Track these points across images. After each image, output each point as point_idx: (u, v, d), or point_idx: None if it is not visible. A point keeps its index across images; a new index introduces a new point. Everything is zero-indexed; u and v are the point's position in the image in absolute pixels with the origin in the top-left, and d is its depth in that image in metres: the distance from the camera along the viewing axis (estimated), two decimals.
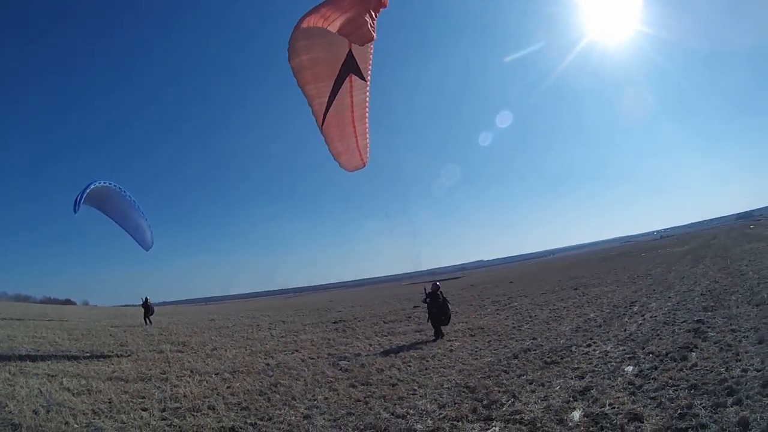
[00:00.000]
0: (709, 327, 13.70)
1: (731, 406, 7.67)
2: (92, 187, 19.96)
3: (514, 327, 19.45)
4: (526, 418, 8.58)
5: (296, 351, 18.64)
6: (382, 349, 17.42)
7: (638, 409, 8.22)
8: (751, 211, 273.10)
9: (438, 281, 20.38)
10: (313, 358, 16.74)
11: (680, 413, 7.75)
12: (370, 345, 18.76)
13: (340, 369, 14.54)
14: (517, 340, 16.46)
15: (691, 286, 23.55)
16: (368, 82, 12.75)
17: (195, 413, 10.47)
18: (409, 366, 14.13)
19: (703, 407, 7.83)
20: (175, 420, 10.03)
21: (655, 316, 16.89)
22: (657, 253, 67.36)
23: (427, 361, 14.69)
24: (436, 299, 18.99)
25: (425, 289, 19.65)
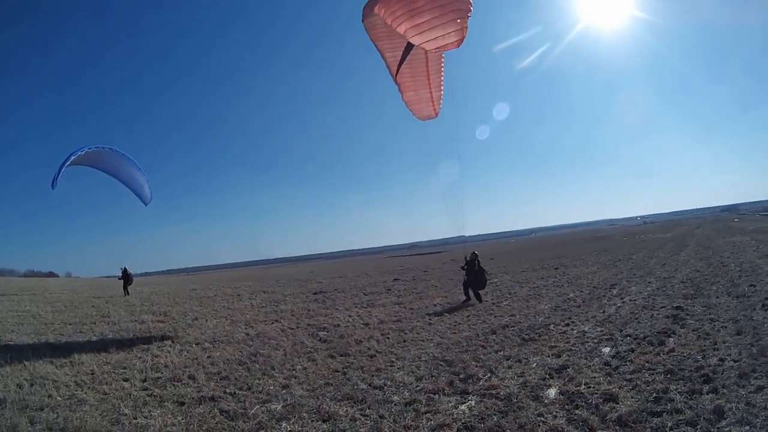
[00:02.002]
0: (687, 314, 14.00)
1: (707, 394, 7.88)
2: (76, 155, 19.67)
3: (493, 303, 19.70)
4: (501, 393, 8.75)
5: (276, 321, 18.94)
6: (361, 321, 17.62)
7: (614, 390, 8.41)
8: (736, 205, 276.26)
9: (475, 251, 21.14)
10: (292, 329, 16.97)
11: (655, 397, 7.95)
12: (350, 316, 18.90)
13: (319, 339, 14.75)
14: (495, 316, 16.72)
15: (671, 273, 24.02)
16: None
17: (175, 383, 10.58)
18: (388, 338, 14.34)
19: (679, 392, 8.03)
20: (156, 390, 10.12)
21: (635, 300, 17.24)
22: (640, 238, 68.35)
23: (406, 333, 14.91)
24: (473, 267, 20.05)
25: (465, 257, 20.56)
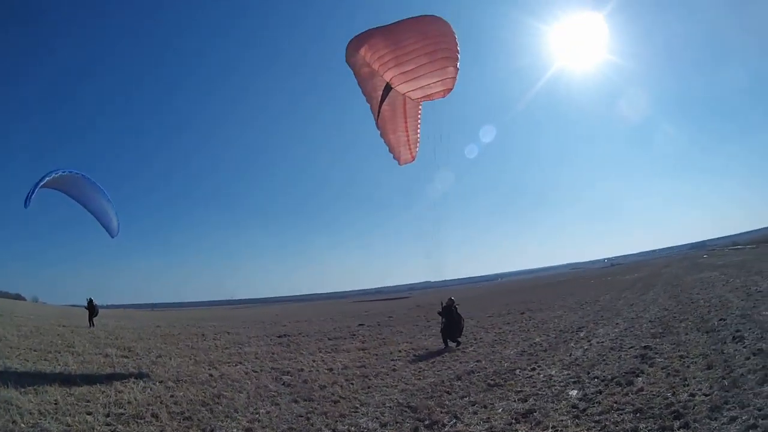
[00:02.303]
0: (656, 353, 13.89)
1: (678, 430, 7.75)
2: (50, 176, 19.49)
3: (458, 349, 19.50)
4: None
5: (240, 363, 18.81)
6: (325, 366, 17.41)
7: None
8: (705, 241, 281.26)
9: (452, 297, 21.22)
10: (256, 372, 16.82)
11: None
12: (314, 361, 18.70)
13: (283, 383, 14.64)
14: (461, 362, 16.52)
15: (639, 312, 23.96)
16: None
17: (138, 420, 10.54)
18: (352, 384, 14.21)
19: (649, 430, 7.88)
20: (119, 426, 10.13)
21: (602, 342, 17.10)
22: (606, 280, 68.89)
23: (370, 379, 14.74)
24: (450, 313, 19.99)
25: (441, 303, 20.62)
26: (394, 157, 15.59)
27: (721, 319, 17.27)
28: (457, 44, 11.07)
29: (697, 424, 7.81)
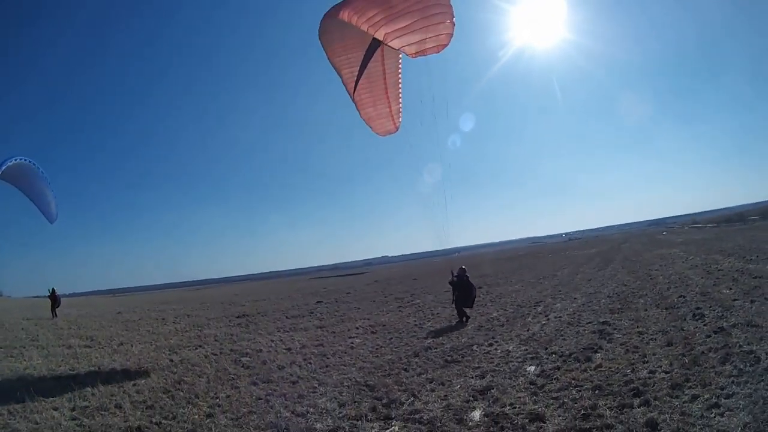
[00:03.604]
0: (614, 329, 14.28)
1: (638, 407, 7.95)
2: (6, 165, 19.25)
3: (416, 324, 19.79)
4: (425, 418, 8.71)
5: (200, 346, 19.09)
6: (284, 346, 17.63)
7: (540, 409, 8.42)
8: (663, 219, 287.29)
9: (464, 266, 20.38)
10: (216, 354, 17.09)
11: (584, 414, 7.96)
12: (272, 341, 19.01)
13: (243, 365, 14.83)
14: (418, 338, 16.75)
15: (597, 288, 24.59)
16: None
17: (103, 412, 10.64)
18: (310, 363, 14.37)
19: (608, 408, 8.07)
20: (85, 420, 10.18)
21: (560, 317, 17.49)
22: (564, 254, 70.09)
23: (328, 358, 14.91)
24: (462, 283, 19.44)
25: (452, 273, 20.03)
26: (373, 130, 15.57)
27: (680, 296, 17.86)
28: (449, 1, 11.06)
29: (657, 402, 8.03)
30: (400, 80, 14.63)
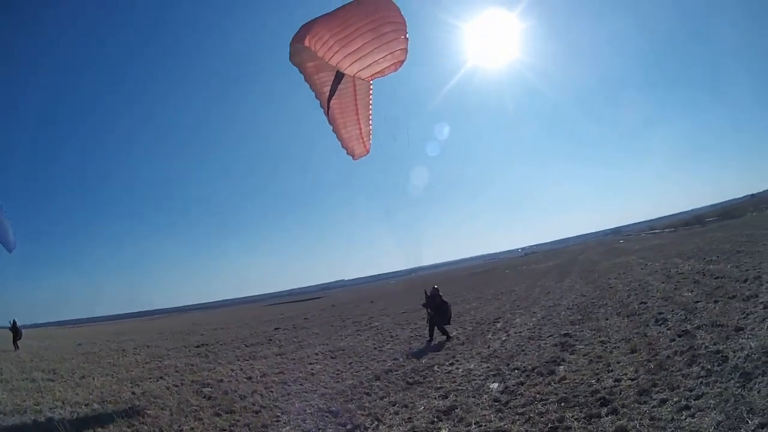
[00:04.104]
0: (576, 340, 14.34)
1: (606, 416, 7.92)
2: None
3: (375, 347, 19.68)
4: None
5: (161, 378, 18.98)
6: (244, 375, 17.48)
7: (506, 425, 8.37)
8: (620, 227, 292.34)
9: (435, 286, 20.46)
10: (177, 386, 16.93)
11: (551, 427, 7.92)
12: (233, 370, 18.87)
13: (204, 396, 14.72)
14: (378, 361, 16.66)
15: (557, 300, 24.75)
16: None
17: None
18: (272, 392, 14.28)
19: (576, 419, 8.04)
20: None
21: (520, 332, 17.50)
22: (521, 269, 70.85)
23: (289, 385, 14.78)
24: (435, 302, 19.45)
25: (425, 292, 19.91)
26: (347, 153, 15.45)
27: (641, 303, 18.04)
28: (402, 16, 10.99)
29: (625, 409, 8.01)
30: (370, 101, 14.45)
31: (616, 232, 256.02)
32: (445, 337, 18.95)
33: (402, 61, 11.17)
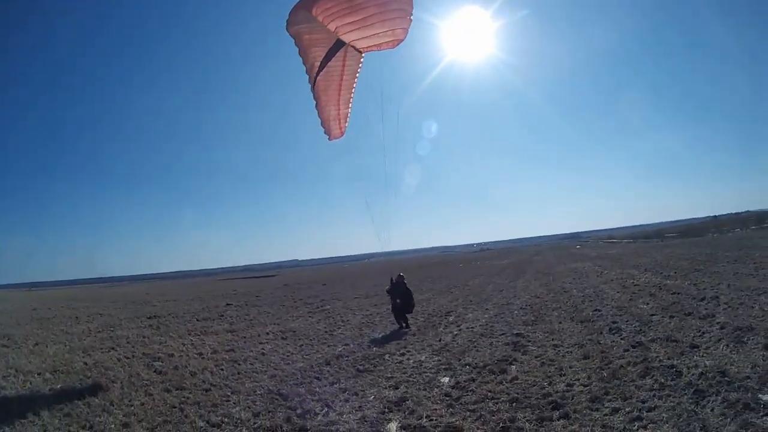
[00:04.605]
0: (529, 341, 14.48)
1: (558, 420, 8.00)
2: None
3: (326, 331, 19.70)
4: (341, 430, 8.63)
5: (112, 349, 18.95)
6: (195, 350, 17.55)
7: (457, 422, 8.38)
8: (578, 233, 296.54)
9: (401, 274, 20.44)
10: (128, 358, 16.93)
11: (503, 427, 7.96)
12: (184, 345, 18.95)
13: (155, 371, 14.67)
14: (329, 345, 16.68)
15: (510, 299, 24.94)
16: (362, 55, 13.18)
17: (22, 420, 10.38)
18: (222, 369, 14.27)
19: (528, 421, 8.10)
20: (7, 428, 9.97)
21: (472, 328, 17.63)
22: (476, 264, 71.51)
23: (239, 364, 14.74)
24: (399, 290, 19.32)
25: (391, 279, 19.86)
26: (324, 132, 15.34)
27: (596, 310, 18.28)
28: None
29: (577, 415, 8.10)
30: (355, 83, 14.39)
31: (574, 237, 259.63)
32: (404, 325, 18.98)
33: (400, 40, 11.38)
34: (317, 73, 13.22)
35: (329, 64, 13.00)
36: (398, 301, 19.24)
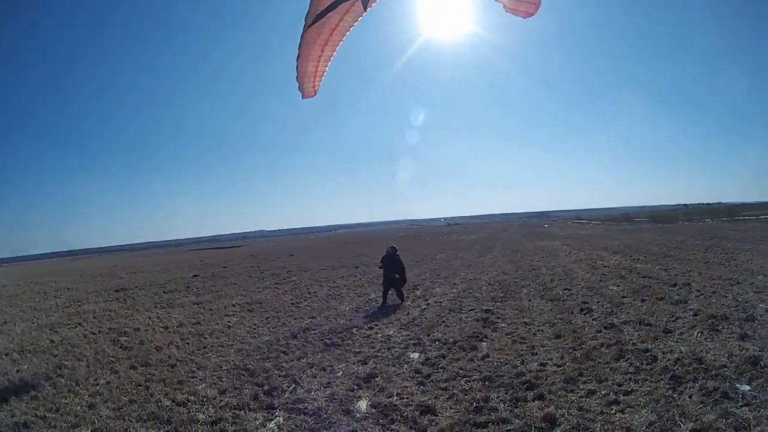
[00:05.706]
0: (498, 317, 14.45)
1: (533, 401, 7.91)
2: None
3: (293, 303, 19.66)
4: (309, 408, 8.47)
5: (79, 324, 19.14)
6: (161, 324, 17.72)
7: (429, 400, 8.28)
8: (547, 212, 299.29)
9: (393, 245, 19.87)
10: (95, 333, 17.00)
11: (476, 407, 7.85)
12: (150, 318, 19.08)
13: (121, 346, 14.69)
14: (295, 318, 16.60)
15: (477, 275, 25.03)
16: (364, 13, 12.89)
17: None
18: (188, 344, 14.27)
19: (502, 401, 8.00)
20: None
21: (440, 302, 17.65)
22: (443, 239, 71.86)
23: (205, 338, 14.80)
24: (393, 262, 18.77)
25: (387, 251, 19.32)
26: (298, 89, 14.97)
27: (566, 289, 18.35)
28: None
29: (552, 396, 8.02)
30: (340, 42, 14.02)
31: (542, 215, 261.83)
32: (400, 299, 18.46)
33: (532, 14, 11.70)
34: (313, 22, 12.89)
35: (329, 15, 12.66)
36: (396, 275, 18.58)
